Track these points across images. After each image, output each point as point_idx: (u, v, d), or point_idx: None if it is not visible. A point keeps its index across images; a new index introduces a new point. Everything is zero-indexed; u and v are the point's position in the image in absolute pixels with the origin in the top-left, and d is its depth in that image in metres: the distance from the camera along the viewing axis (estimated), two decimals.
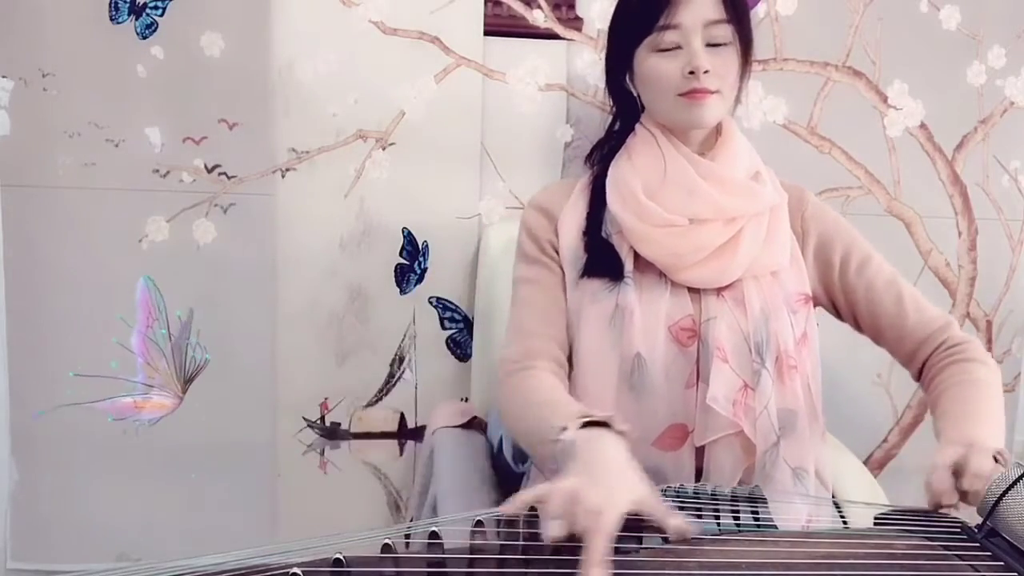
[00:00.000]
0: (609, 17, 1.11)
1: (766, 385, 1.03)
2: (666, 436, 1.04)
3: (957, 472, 0.85)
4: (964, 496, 0.85)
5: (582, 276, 1.07)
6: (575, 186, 1.15)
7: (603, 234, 1.09)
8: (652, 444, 1.03)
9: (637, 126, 1.12)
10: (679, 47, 1.03)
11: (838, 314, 1.16)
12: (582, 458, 0.79)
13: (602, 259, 1.07)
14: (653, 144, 1.09)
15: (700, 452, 1.04)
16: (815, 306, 1.14)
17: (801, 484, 1.05)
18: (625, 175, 1.09)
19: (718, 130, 1.10)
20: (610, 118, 1.17)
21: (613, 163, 1.12)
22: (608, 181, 1.11)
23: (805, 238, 1.13)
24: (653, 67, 1.05)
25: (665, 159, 1.07)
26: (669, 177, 1.07)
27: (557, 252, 1.10)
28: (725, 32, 1.03)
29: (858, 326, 1.15)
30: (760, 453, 1.03)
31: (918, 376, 1.12)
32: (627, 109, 1.14)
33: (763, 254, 1.07)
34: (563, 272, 1.09)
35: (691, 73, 1.02)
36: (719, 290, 1.06)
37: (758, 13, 1.48)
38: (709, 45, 1.03)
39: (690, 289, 1.07)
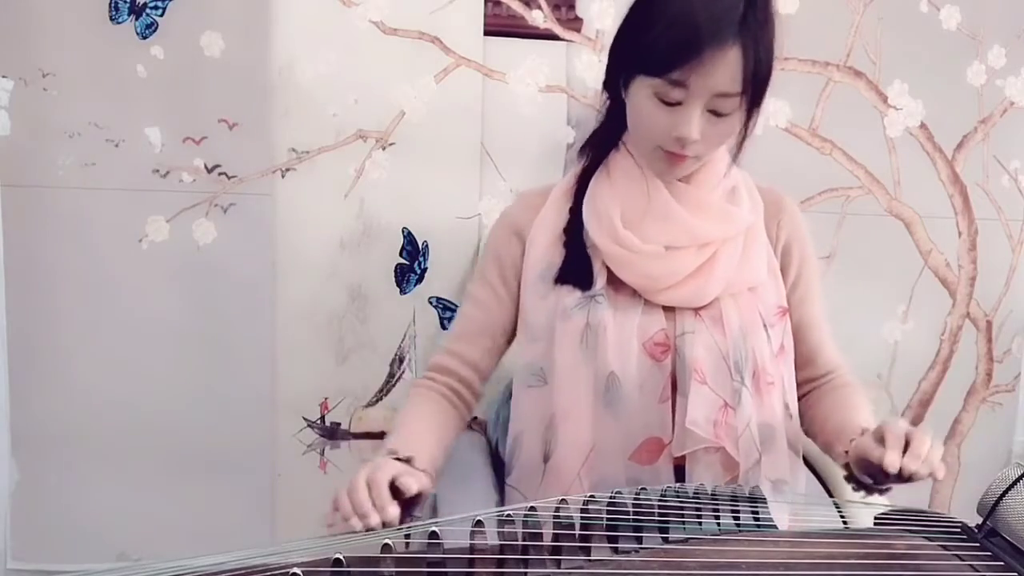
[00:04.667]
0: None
1: (747, 403, 1.03)
2: (643, 450, 1.03)
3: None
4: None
5: (556, 282, 1.08)
6: (549, 193, 1.15)
7: (583, 240, 1.08)
8: (629, 458, 1.03)
9: (620, 143, 1.10)
10: (680, 104, 0.96)
11: None
12: None
13: (577, 264, 1.07)
14: (632, 166, 1.07)
15: (680, 465, 1.04)
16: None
17: (780, 495, 1.04)
18: (604, 198, 1.08)
19: None
20: (605, 110, 1.13)
21: (593, 180, 1.10)
22: (586, 200, 1.10)
23: (776, 242, 1.13)
24: (645, 110, 0.99)
25: (641, 184, 1.06)
26: (646, 203, 1.06)
27: (516, 278, 1.12)
28: (732, 104, 0.96)
29: None
30: (743, 471, 1.03)
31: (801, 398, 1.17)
32: (618, 109, 1.10)
33: (740, 272, 1.07)
34: (511, 298, 1.12)
35: (678, 138, 0.98)
36: (696, 309, 1.06)
37: None
38: (710, 111, 0.97)
39: (665, 306, 1.06)
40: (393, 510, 0.82)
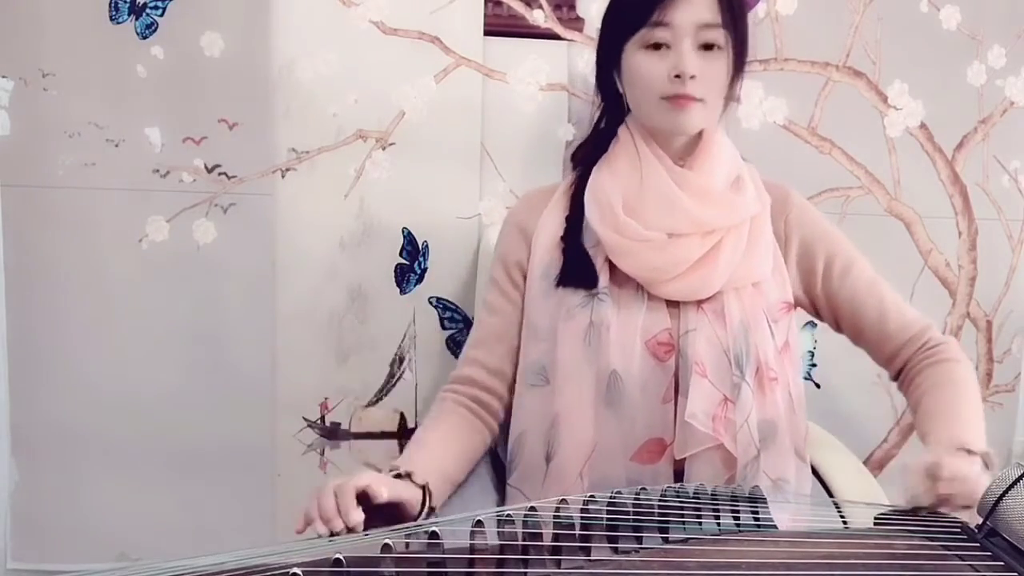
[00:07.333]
0: None
1: (746, 398, 1.02)
2: (644, 450, 1.03)
3: (933, 475, 0.86)
4: (947, 500, 0.86)
5: (557, 286, 1.07)
6: (554, 192, 1.15)
7: (582, 241, 1.08)
8: (631, 459, 1.03)
9: (620, 130, 1.10)
10: (668, 46, 1.01)
11: (818, 315, 1.16)
12: None
13: (577, 268, 1.07)
14: (633, 153, 1.07)
15: (679, 464, 1.04)
16: (795, 308, 1.13)
17: (780, 494, 1.04)
18: (605, 187, 1.08)
19: (698, 134, 1.08)
20: (598, 114, 1.15)
21: (595, 170, 1.11)
22: (587, 191, 1.10)
23: (787, 243, 1.12)
24: (639, 65, 1.03)
25: (643, 170, 1.06)
26: (648, 190, 1.06)
27: (524, 276, 1.12)
28: (718, 36, 1.01)
29: (838, 327, 1.15)
30: (740, 466, 1.02)
31: (896, 376, 1.14)
32: (614, 107, 1.12)
33: (744, 265, 1.06)
34: (523, 298, 1.12)
35: (677, 77, 1.00)
36: (699, 302, 1.05)
37: (758, 13, 1.48)
38: (700, 47, 1.01)
39: (668, 302, 1.06)
40: (356, 515, 0.82)
